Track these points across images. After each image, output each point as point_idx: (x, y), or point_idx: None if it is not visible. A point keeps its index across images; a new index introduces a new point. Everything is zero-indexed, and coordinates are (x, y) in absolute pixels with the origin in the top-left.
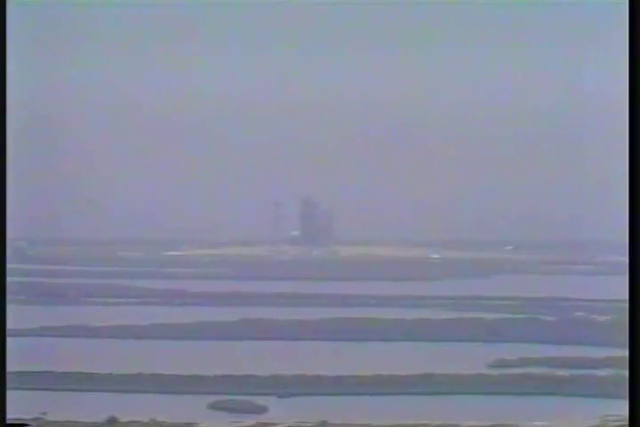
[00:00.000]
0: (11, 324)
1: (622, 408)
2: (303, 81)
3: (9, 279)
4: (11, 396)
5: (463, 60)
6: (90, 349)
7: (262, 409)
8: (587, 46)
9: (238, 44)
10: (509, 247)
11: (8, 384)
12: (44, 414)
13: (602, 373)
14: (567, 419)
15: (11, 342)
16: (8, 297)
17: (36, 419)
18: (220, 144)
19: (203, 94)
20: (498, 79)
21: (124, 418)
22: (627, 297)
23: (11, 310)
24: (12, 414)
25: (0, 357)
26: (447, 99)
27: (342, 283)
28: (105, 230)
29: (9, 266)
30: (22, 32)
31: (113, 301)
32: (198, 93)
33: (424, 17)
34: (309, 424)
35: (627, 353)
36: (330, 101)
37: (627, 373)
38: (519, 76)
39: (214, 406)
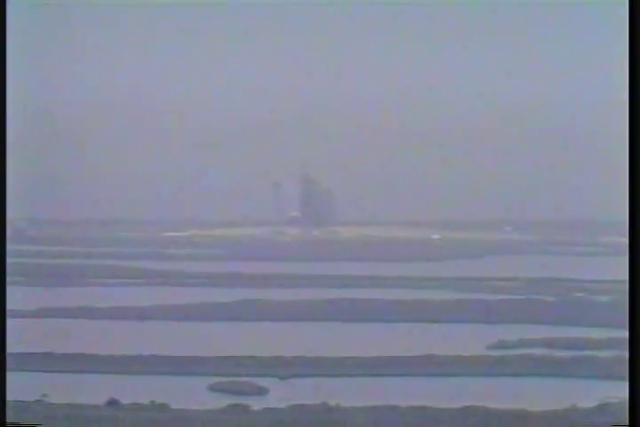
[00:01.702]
0: (11, 305)
1: (622, 389)
2: (302, 66)
3: (8, 260)
4: (11, 378)
5: (464, 60)
6: (90, 330)
7: (263, 391)
8: (587, 46)
9: (242, 36)
10: (509, 228)
11: (8, 366)
12: (45, 396)
13: (602, 354)
14: (567, 400)
15: (11, 324)
16: (8, 278)
17: (37, 401)
18: (219, 125)
19: (203, 77)
20: (497, 77)
21: (124, 400)
22: (627, 278)
23: (10, 292)
24: (12, 397)
25: (1, 345)
26: (449, 82)
27: (342, 264)
28: (105, 211)
29: (8, 246)
30: (22, 31)
31: (113, 281)
32: (199, 77)
33: (424, 17)
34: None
35: (627, 334)
36: (330, 83)
37: (627, 354)
38: (519, 74)
39: (214, 388)
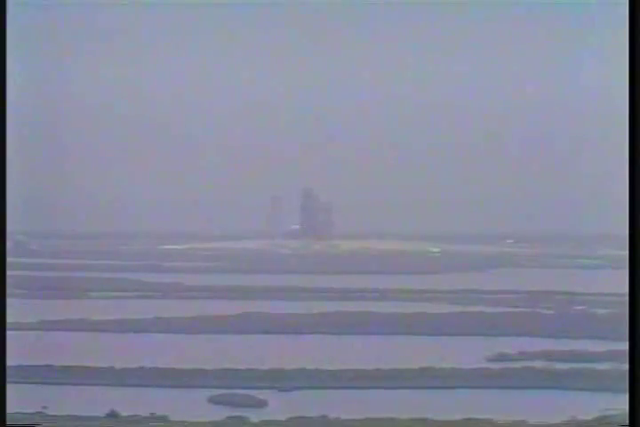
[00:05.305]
0: (11, 318)
1: (622, 402)
2: (301, 76)
3: (9, 273)
4: (11, 390)
5: (462, 60)
6: (90, 342)
7: (262, 403)
8: (586, 46)
9: (237, 42)
10: (510, 241)
11: (8, 378)
12: (45, 408)
13: (601, 366)
14: (567, 412)
15: (11, 336)
16: (8, 291)
17: (37, 413)
18: (219, 138)
19: (200, 90)
20: (497, 78)
21: (124, 412)
22: (627, 291)
23: (11, 304)
24: (12, 409)
25: (0, 357)
26: (447, 94)
27: (342, 276)
28: (104, 224)
29: (9, 259)
30: (22, 32)
31: (112, 294)
32: (196, 89)
33: (421, 16)
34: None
35: (626, 346)
36: (329, 96)
37: (626, 366)
38: (518, 74)
39: (214, 400)
